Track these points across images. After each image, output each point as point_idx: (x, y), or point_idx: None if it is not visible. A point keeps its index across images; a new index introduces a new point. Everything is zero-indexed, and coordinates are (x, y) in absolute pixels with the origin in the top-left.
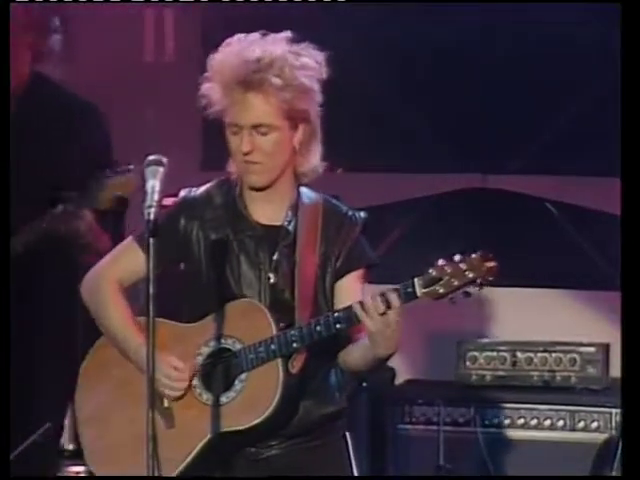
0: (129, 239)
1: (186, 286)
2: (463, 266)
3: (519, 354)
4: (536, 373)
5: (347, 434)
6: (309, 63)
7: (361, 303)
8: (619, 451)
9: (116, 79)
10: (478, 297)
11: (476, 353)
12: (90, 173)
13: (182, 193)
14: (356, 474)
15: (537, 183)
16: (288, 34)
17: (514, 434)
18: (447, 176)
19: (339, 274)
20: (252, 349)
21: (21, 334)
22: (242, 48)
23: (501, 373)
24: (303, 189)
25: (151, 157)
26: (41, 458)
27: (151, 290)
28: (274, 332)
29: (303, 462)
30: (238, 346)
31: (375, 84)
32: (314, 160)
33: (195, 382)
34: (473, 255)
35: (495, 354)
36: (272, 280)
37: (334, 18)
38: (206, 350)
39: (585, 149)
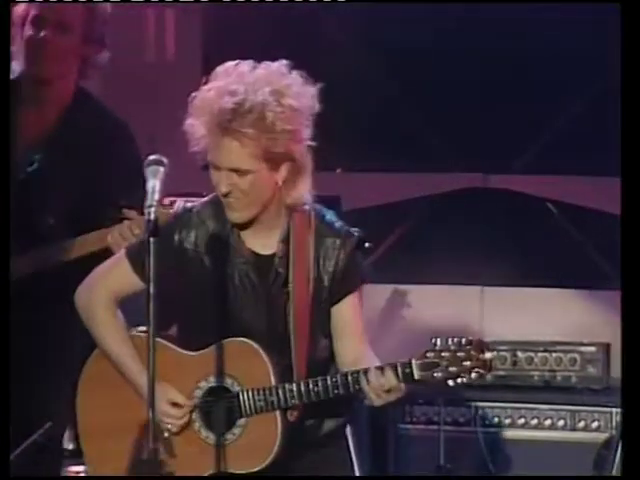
0: (122, 252)
1: (182, 307)
2: (461, 355)
3: (519, 354)
4: (536, 373)
5: (347, 428)
6: (294, 105)
7: (366, 376)
8: (619, 451)
9: (116, 80)
10: (478, 296)
11: None
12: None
13: (176, 207)
14: (357, 469)
15: (537, 183)
16: (282, 64)
17: (514, 434)
18: (447, 176)
19: (336, 298)
20: (251, 396)
21: (21, 333)
22: (223, 88)
23: (501, 373)
24: None
25: (151, 157)
26: (42, 457)
27: (151, 290)
28: (272, 378)
29: (306, 460)
30: (237, 388)
31: (375, 84)
32: (302, 192)
33: (194, 416)
34: (471, 344)
35: (495, 354)
36: (268, 315)
37: (334, 17)
38: (205, 385)
39: (585, 149)
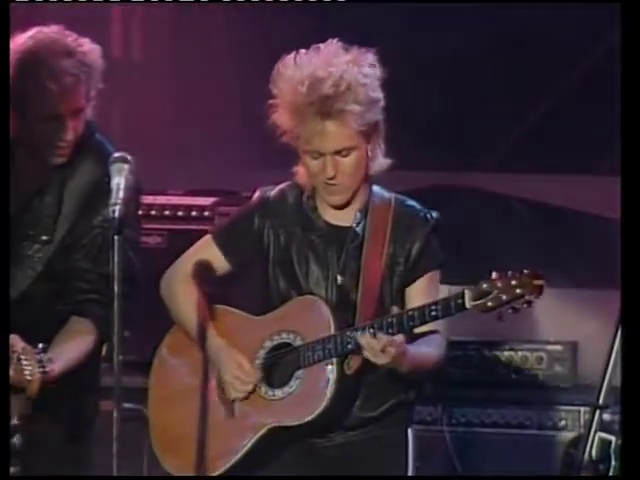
0: (207, 237)
1: (254, 280)
2: (514, 282)
3: (486, 352)
4: (503, 371)
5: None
6: (371, 72)
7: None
8: (587, 449)
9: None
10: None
11: None
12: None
13: (258, 192)
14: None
15: (508, 181)
16: (334, 41)
17: (481, 432)
18: (422, 174)
19: (411, 277)
20: (310, 347)
21: None
22: (311, 77)
23: (468, 371)
24: (375, 189)
25: (116, 154)
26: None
27: (116, 289)
28: (332, 328)
29: (360, 453)
30: (299, 342)
31: None
32: (381, 158)
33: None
34: (524, 272)
35: (463, 352)
36: (339, 281)
37: (318, 18)
38: (269, 344)
39: (579, 147)
